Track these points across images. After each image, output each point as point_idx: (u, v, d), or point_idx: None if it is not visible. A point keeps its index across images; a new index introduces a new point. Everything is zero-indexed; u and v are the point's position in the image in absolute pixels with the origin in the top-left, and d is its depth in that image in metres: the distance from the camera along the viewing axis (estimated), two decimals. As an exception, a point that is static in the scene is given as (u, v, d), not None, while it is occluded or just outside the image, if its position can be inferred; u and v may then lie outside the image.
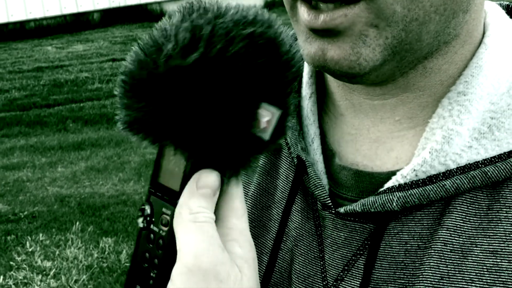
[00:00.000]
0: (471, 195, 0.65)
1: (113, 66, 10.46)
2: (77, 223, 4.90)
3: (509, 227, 0.62)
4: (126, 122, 0.58)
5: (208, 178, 0.59)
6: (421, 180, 0.65)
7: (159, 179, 0.62)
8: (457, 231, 0.64)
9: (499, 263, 0.62)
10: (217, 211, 0.60)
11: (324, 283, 0.71)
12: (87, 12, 14.42)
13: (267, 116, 0.57)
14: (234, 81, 0.55)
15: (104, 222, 4.91)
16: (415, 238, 0.66)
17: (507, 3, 0.77)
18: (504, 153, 0.65)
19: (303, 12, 0.65)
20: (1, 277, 4.21)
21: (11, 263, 4.38)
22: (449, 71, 0.68)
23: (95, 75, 9.93)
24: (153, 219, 0.62)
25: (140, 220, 0.62)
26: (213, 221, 0.58)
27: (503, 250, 0.62)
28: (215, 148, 0.57)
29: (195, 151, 0.57)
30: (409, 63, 0.65)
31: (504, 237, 0.62)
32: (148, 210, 0.62)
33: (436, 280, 0.63)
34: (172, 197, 0.61)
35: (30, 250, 4.55)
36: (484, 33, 0.71)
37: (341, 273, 0.69)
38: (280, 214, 0.76)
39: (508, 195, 0.64)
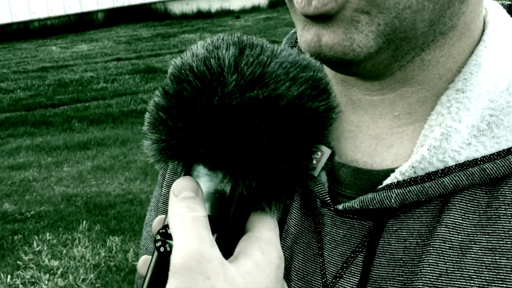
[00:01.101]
0: (470, 192, 0.65)
1: (117, 66, 10.49)
2: (84, 222, 4.92)
3: (508, 225, 0.62)
4: (171, 147, 0.58)
5: (183, 183, 0.59)
6: (419, 177, 0.66)
7: None
8: (456, 228, 0.64)
9: (498, 260, 0.62)
10: (249, 222, 0.61)
11: (323, 280, 0.71)
12: (91, 11, 14.45)
13: (319, 154, 0.60)
14: (299, 118, 0.57)
15: (111, 221, 4.93)
16: (414, 236, 0.66)
17: (509, 3, 0.77)
18: (503, 150, 0.65)
19: (296, 0, 0.66)
20: (9, 276, 4.23)
21: (19, 262, 4.40)
22: (446, 65, 0.68)
23: (100, 74, 9.95)
24: None
25: (159, 244, 0.60)
26: (202, 217, 0.57)
27: (502, 248, 0.62)
28: (269, 180, 0.58)
29: (250, 181, 0.58)
30: (405, 53, 0.66)
31: (503, 234, 0.62)
32: None
33: (435, 277, 0.63)
34: (211, 224, 0.59)
35: (37, 249, 4.57)
36: (484, 30, 0.71)
37: (340, 270, 0.69)
38: (280, 211, 0.76)
39: (507, 192, 0.64)
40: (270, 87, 0.56)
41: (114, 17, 14.67)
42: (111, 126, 7.55)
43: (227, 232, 0.60)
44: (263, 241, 0.59)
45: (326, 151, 0.60)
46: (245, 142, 0.56)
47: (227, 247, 0.59)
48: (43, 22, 13.99)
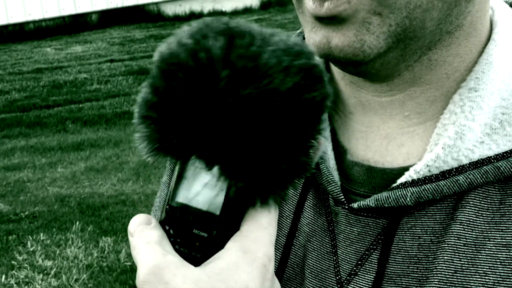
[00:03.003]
0: (483, 189, 0.65)
1: (111, 67, 10.45)
2: (77, 222, 4.91)
3: None
4: (165, 148, 0.58)
5: (134, 222, 0.62)
6: (434, 176, 0.66)
7: (179, 199, 0.60)
8: (470, 225, 0.65)
9: None
10: (244, 220, 0.60)
11: (337, 277, 0.71)
12: (85, 13, 14.39)
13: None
14: (294, 112, 0.55)
15: (104, 222, 4.92)
16: (428, 233, 0.67)
17: None
18: None
19: (308, 1, 0.66)
20: (3, 276, 4.21)
21: (13, 262, 4.39)
22: (454, 64, 0.69)
23: (94, 76, 9.91)
24: (178, 240, 0.60)
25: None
26: (155, 238, 0.59)
27: None
28: (265, 175, 0.56)
29: (245, 177, 0.56)
30: (412, 52, 0.66)
31: None
32: (171, 231, 0.60)
33: (450, 274, 0.64)
34: (207, 220, 0.59)
35: (31, 249, 4.56)
36: (492, 30, 0.71)
37: (355, 268, 0.70)
38: (292, 210, 0.77)
39: None
40: (263, 82, 0.54)
41: (108, 18, 14.60)
42: (104, 127, 7.52)
43: (220, 229, 0.59)
44: (250, 239, 0.59)
45: (322, 141, 0.59)
46: (239, 141, 0.55)
47: (219, 244, 0.59)
48: (38, 24, 13.93)
